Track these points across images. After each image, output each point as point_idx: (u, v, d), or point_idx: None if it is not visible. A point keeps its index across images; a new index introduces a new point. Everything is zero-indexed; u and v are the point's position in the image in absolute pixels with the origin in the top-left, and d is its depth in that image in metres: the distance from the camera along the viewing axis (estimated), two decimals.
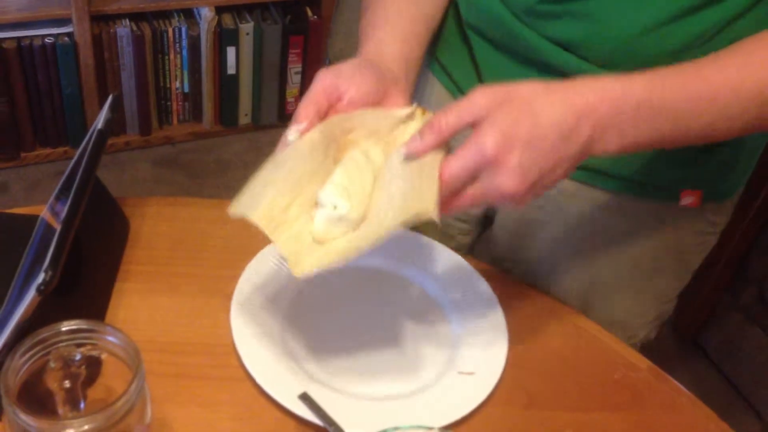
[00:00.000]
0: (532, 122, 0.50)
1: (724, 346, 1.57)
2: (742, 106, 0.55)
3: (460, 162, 0.51)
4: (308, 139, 0.57)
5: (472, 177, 0.52)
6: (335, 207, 0.55)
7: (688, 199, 0.72)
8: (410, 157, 0.54)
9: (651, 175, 0.72)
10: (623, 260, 0.77)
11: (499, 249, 0.84)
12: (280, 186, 0.56)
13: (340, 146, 0.59)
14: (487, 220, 0.85)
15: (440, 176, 0.52)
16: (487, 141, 0.50)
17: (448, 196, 0.53)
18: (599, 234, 0.76)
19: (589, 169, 0.72)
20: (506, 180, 0.51)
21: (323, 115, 0.58)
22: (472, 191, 0.53)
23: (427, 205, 0.52)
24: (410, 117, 0.59)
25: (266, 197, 0.55)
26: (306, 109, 0.57)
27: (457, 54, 0.76)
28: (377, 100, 0.60)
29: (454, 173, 0.52)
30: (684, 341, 1.64)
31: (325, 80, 0.58)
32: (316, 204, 0.56)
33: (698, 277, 1.62)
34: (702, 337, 1.62)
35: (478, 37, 0.73)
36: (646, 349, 0.83)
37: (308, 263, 0.54)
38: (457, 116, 0.52)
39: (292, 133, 0.57)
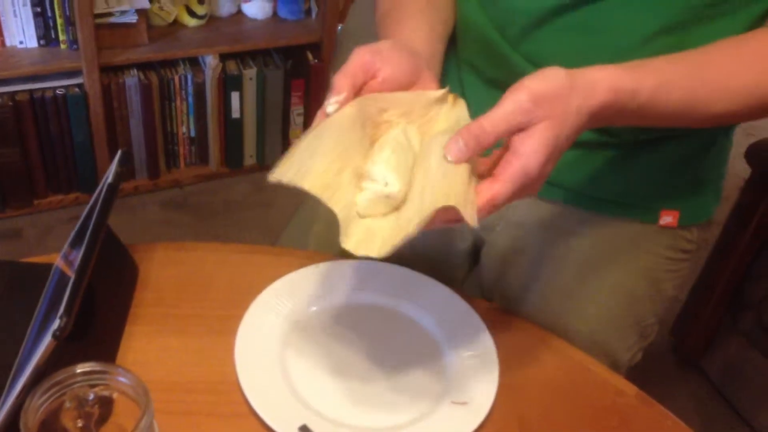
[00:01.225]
0: (564, 137, 0.53)
1: (726, 369, 1.59)
2: (731, 103, 0.60)
3: (508, 189, 0.52)
4: (347, 114, 0.57)
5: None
6: (386, 184, 0.55)
7: (667, 219, 0.77)
8: (449, 160, 0.53)
9: (632, 196, 0.77)
10: (603, 288, 0.81)
11: (487, 281, 0.87)
12: (329, 154, 0.55)
13: (375, 124, 0.59)
14: (475, 252, 0.89)
15: (487, 199, 0.52)
16: (533, 166, 0.52)
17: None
18: (580, 261, 0.80)
19: (571, 189, 0.77)
20: (535, 189, 0.54)
21: (358, 91, 0.58)
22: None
23: (470, 216, 0.51)
24: (442, 100, 0.60)
25: (317, 164, 0.54)
26: (343, 81, 0.57)
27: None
28: (410, 82, 0.60)
29: (501, 200, 0.52)
30: (685, 365, 1.66)
31: (363, 56, 0.58)
32: (363, 177, 0.56)
33: (698, 301, 1.65)
34: (703, 361, 1.63)
35: (471, 74, 0.77)
36: (648, 373, 0.86)
37: (356, 243, 0.53)
38: (506, 126, 0.52)
39: (331, 104, 0.57)
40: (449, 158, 0.53)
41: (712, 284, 1.55)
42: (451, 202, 0.51)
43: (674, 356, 1.68)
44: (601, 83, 0.54)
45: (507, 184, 0.52)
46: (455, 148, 0.52)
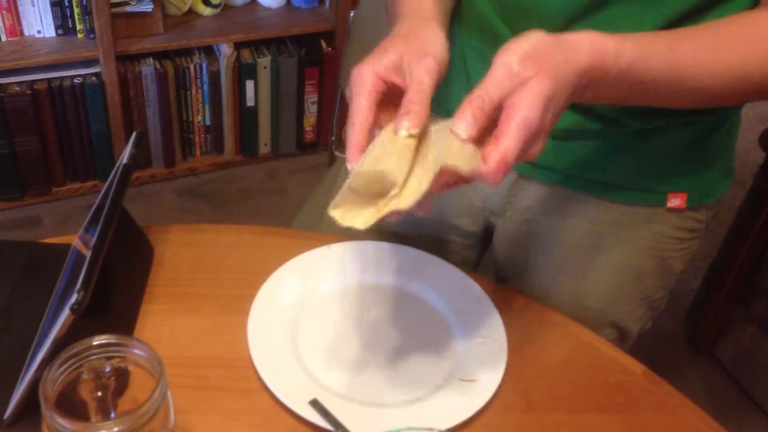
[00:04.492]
0: (560, 89, 0.53)
1: (740, 357, 1.58)
2: (714, 79, 0.60)
3: (515, 141, 0.52)
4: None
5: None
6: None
7: (674, 201, 0.77)
8: (464, 137, 0.53)
9: (639, 181, 0.77)
10: (611, 267, 0.82)
11: (500, 263, 0.89)
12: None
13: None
14: (487, 235, 0.90)
15: (499, 158, 0.52)
16: (533, 115, 0.51)
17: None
18: (588, 243, 0.81)
19: (579, 176, 0.77)
20: (538, 145, 0.54)
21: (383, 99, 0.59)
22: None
23: (475, 166, 0.52)
24: None
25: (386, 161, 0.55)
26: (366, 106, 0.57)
27: (454, 74, 0.81)
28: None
29: (512, 155, 0.52)
30: (699, 353, 1.66)
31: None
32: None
33: (710, 289, 1.64)
34: (716, 348, 1.63)
35: (477, 60, 0.78)
36: (662, 361, 0.86)
37: (364, 217, 0.55)
38: (500, 92, 0.53)
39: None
40: (463, 135, 0.53)
41: (724, 271, 1.54)
42: (450, 161, 0.52)
43: (687, 344, 1.68)
44: (583, 42, 0.55)
45: (512, 137, 0.52)
46: (466, 124, 0.53)
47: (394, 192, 0.54)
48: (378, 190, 0.56)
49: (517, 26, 0.72)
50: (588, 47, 0.55)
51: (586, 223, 0.81)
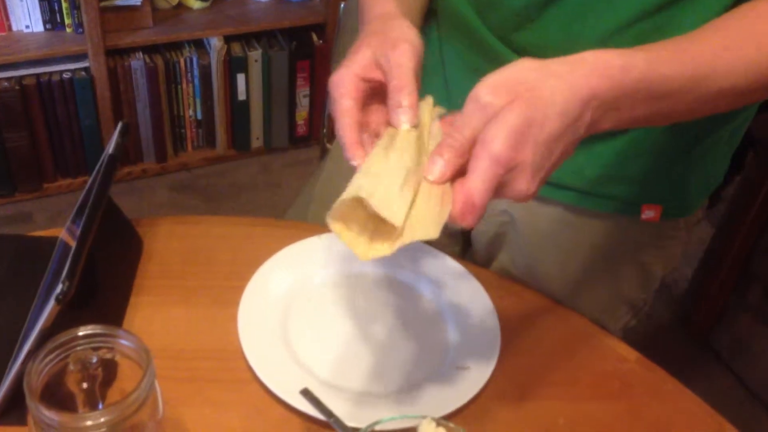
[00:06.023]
0: (540, 116, 0.48)
1: (735, 346, 1.59)
2: (733, 76, 0.56)
3: (481, 182, 0.48)
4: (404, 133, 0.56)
5: (497, 189, 0.50)
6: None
7: (648, 213, 0.76)
8: (431, 180, 0.51)
9: (613, 190, 0.76)
10: (589, 271, 0.81)
11: (479, 261, 0.88)
12: (394, 176, 0.53)
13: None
14: (468, 232, 0.89)
15: (463, 200, 0.49)
16: (499, 150, 0.47)
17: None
18: (562, 245, 0.80)
19: (553, 183, 0.76)
20: (522, 183, 0.49)
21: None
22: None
23: (432, 233, 0.51)
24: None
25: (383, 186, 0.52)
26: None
27: (431, 78, 0.80)
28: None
29: (478, 196, 0.49)
30: (695, 343, 1.66)
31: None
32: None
33: (705, 277, 1.65)
34: (712, 336, 1.63)
35: (454, 58, 0.77)
36: (658, 351, 0.85)
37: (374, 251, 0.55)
38: (470, 128, 0.49)
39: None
40: (431, 178, 0.50)
41: (719, 259, 1.54)
42: (417, 236, 0.50)
43: (683, 332, 1.68)
44: (584, 61, 0.51)
45: (478, 175, 0.48)
46: (436, 166, 0.50)
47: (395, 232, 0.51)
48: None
49: (489, 19, 0.71)
50: (590, 66, 0.50)
51: (560, 226, 0.79)
